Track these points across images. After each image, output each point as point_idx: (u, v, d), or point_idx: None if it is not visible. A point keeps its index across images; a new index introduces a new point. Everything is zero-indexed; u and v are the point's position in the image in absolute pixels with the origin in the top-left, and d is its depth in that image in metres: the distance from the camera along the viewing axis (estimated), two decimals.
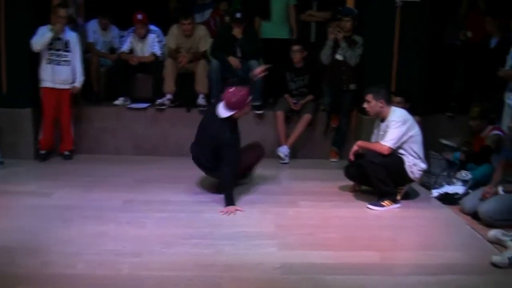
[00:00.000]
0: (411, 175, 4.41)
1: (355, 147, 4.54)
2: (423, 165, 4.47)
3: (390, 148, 4.30)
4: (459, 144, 5.16)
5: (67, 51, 5.51)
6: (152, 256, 3.31)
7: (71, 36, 5.54)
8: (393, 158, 4.33)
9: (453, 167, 4.87)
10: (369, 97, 4.43)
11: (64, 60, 5.51)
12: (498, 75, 4.98)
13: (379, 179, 4.35)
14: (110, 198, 4.37)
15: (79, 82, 5.66)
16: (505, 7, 5.55)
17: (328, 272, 3.16)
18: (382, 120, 4.50)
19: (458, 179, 4.58)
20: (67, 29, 5.53)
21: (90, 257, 3.26)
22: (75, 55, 5.58)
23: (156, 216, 3.99)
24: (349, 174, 4.75)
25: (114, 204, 4.24)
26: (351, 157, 4.54)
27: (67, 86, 5.58)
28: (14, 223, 3.80)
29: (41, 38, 5.31)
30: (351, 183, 4.85)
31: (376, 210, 4.31)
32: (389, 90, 5.23)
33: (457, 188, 4.52)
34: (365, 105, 4.51)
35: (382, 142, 4.34)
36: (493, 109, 5.08)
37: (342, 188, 4.86)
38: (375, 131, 4.62)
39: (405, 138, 4.36)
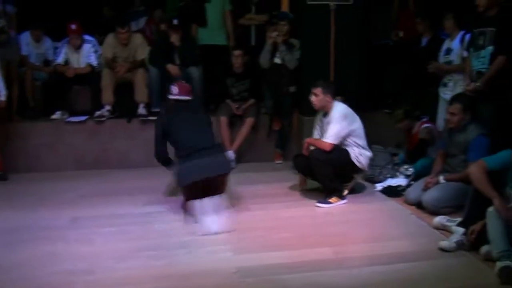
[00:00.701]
0: (359, 165, 4.53)
1: (305, 144, 4.63)
2: (369, 153, 4.61)
3: (331, 144, 4.41)
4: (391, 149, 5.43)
5: None
6: (105, 273, 3.22)
7: None
8: (338, 153, 4.44)
9: (393, 161, 5.07)
10: (318, 90, 4.50)
11: None
12: (428, 70, 5.21)
13: (325, 176, 4.46)
14: (56, 217, 4.20)
15: (3, 95, 5.39)
16: (434, 8, 5.85)
17: (284, 272, 3.20)
18: (325, 114, 4.60)
19: (401, 173, 4.77)
20: None
21: (43, 280, 3.13)
22: None
23: (104, 231, 3.88)
24: (297, 164, 4.82)
25: (61, 223, 4.08)
26: (305, 152, 4.61)
27: None
28: None
29: None
30: (297, 183, 4.94)
31: (324, 207, 4.41)
32: None
33: (399, 181, 4.71)
34: (312, 98, 4.55)
35: (324, 139, 4.46)
36: (428, 103, 5.37)
37: (290, 188, 4.93)
38: (318, 126, 4.72)
39: (345, 132, 4.48)
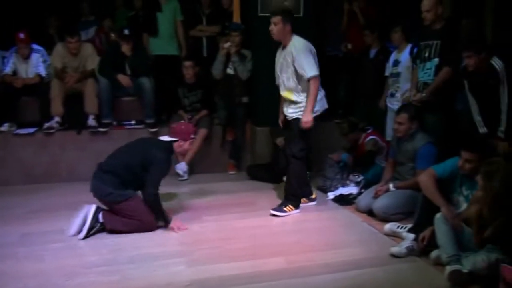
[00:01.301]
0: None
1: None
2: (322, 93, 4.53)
3: (317, 77, 4.26)
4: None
5: None
6: None
7: None
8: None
9: (344, 170, 5.16)
10: (277, 19, 4.27)
11: None
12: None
13: (298, 178, 4.48)
14: (5, 233, 4.05)
15: None
16: (381, 20, 6.04)
17: (239, 283, 3.20)
18: (284, 48, 4.43)
19: (351, 180, 4.87)
20: None
21: None
22: None
23: (54, 247, 3.77)
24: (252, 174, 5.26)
25: (10, 239, 3.92)
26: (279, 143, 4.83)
27: None
28: None
29: None
30: (252, 194, 4.97)
31: (279, 215, 4.42)
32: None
33: (350, 189, 4.81)
34: (271, 27, 4.33)
35: (308, 75, 4.23)
36: (376, 114, 5.52)
37: (244, 199, 4.95)
38: (278, 62, 4.52)
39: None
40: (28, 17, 6.48)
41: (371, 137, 5.10)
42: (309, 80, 4.26)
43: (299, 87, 4.37)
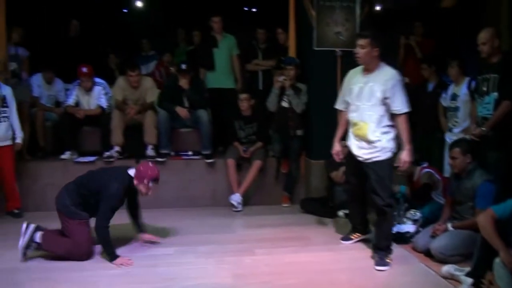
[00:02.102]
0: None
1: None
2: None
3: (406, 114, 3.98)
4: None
5: (5, 106, 5.32)
6: None
7: (7, 91, 5.36)
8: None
9: (401, 205, 5.01)
10: (366, 41, 3.96)
11: (3, 116, 5.31)
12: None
13: (387, 229, 4.18)
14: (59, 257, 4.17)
15: (19, 137, 5.47)
16: (439, 53, 5.94)
17: None
18: (367, 72, 4.07)
19: (408, 218, 4.72)
20: (1, 84, 5.37)
21: None
22: (12, 110, 5.41)
23: (108, 274, 3.85)
24: (305, 208, 5.35)
25: (65, 264, 4.04)
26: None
27: (8, 142, 5.39)
28: None
29: None
30: (305, 228, 4.91)
31: (385, 269, 3.99)
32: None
33: (408, 227, 4.65)
34: (357, 50, 4.02)
35: (397, 111, 3.95)
36: (434, 149, 5.37)
37: (297, 232, 4.89)
38: (353, 87, 4.11)
39: None
40: (91, 52, 6.78)
41: (426, 170, 4.96)
42: (398, 115, 3.97)
43: (382, 122, 4.00)
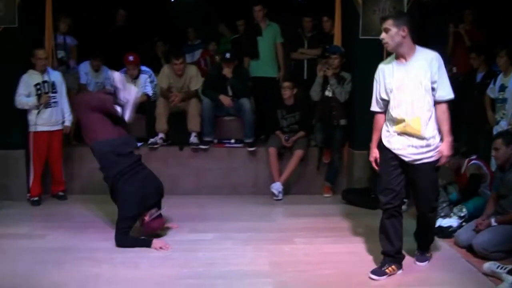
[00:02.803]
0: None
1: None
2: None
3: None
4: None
5: (54, 92, 5.53)
6: None
7: (56, 77, 5.57)
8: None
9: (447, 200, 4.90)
10: (388, 23, 3.42)
11: (53, 102, 5.52)
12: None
13: (430, 230, 3.91)
14: (104, 239, 4.33)
15: (69, 121, 5.68)
16: (488, 43, 5.73)
17: None
18: (402, 59, 3.51)
19: (454, 214, 4.59)
20: (50, 70, 5.56)
21: None
22: (62, 95, 5.61)
23: (150, 256, 3.96)
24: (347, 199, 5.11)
25: (108, 245, 4.19)
26: None
27: (57, 127, 5.60)
28: (7, 267, 3.76)
29: (25, 101, 5.36)
30: (346, 219, 4.87)
31: (424, 265, 3.88)
32: None
33: (451, 221, 4.53)
34: (383, 36, 3.47)
35: (442, 97, 3.44)
36: (481, 141, 5.20)
37: (337, 223, 4.86)
38: (389, 76, 3.55)
39: None
40: (137, 40, 6.91)
41: (473, 162, 4.81)
42: (441, 103, 3.47)
43: (431, 113, 3.47)
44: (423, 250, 3.93)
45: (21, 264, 3.81)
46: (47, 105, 5.47)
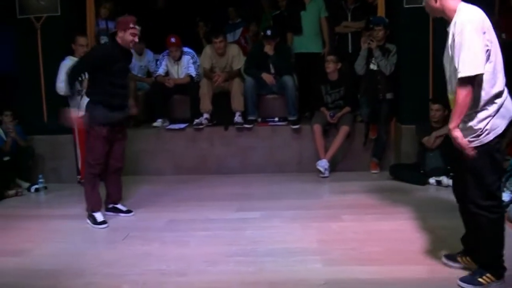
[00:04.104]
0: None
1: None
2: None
3: (468, 85, 2.70)
4: None
5: None
6: (197, 275, 3.30)
7: None
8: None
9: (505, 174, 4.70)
10: None
11: None
12: None
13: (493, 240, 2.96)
14: (154, 218, 4.42)
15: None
16: None
17: None
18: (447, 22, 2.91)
19: (507, 188, 4.42)
20: None
21: (135, 278, 3.28)
22: None
23: (199, 235, 4.01)
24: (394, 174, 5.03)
25: (158, 224, 4.28)
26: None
27: None
28: (60, 246, 3.89)
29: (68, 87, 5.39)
30: (394, 195, 4.76)
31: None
32: (427, 97, 5.19)
33: (503, 196, 4.35)
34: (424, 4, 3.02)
35: (459, 73, 2.70)
36: None
37: (385, 200, 4.76)
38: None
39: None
40: (179, 22, 6.92)
41: None
42: (460, 81, 2.73)
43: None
44: (477, 268, 3.05)
45: (73, 244, 3.93)
46: None
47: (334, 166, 5.84)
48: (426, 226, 4.08)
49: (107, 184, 4.61)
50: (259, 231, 4.05)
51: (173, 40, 6.14)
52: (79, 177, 5.71)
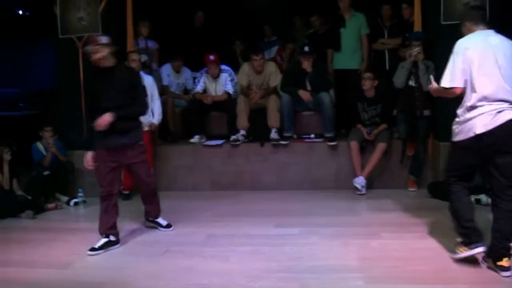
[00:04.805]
0: None
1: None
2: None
3: (457, 88, 3.47)
4: None
5: (146, 95, 5.71)
6: None
7: (148, 81, 5.74)
8: None
9: None
10: None
11: None
12: None
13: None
14: (193, 233, 4.47)
15: (156, 119, 5.86)
16: None
17: None
18: None
19: None
20: (143, 74, 5.76)
21: None
22: (153, 98, 5.78)
23: (239, 250, 4.03)
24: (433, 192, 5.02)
25: (197, 239, 4.32)
26: None
27: (146, 128, 5.78)
28: (101, 259, 3.97)
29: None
30: (434, 213, 4.71)
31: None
32: None
33: None
34: None
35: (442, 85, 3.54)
36: None
37: (424, 218, 4.69)
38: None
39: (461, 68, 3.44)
40: (216, 40, 7.03)
41: None
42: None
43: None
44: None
45: (113, 257, 4.00)
46: None
47: (371, 184, 5.80)
48: None
49: (143, 203, 4.68)
50: (298, 248, 4.05)
51: (212, 57, 6.24)
52: (121, 187, 5.80)
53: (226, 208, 5.31)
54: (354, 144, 5.78)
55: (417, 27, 5.88)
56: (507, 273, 3.33)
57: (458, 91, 3.48)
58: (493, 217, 3.48)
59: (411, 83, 5.61)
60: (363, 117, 5.93)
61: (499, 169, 3.37)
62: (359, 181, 5.65)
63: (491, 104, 3.32)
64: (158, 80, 6.54)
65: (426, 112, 5.66)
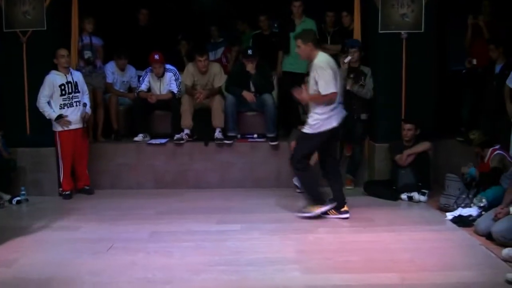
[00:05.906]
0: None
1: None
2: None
3: (332, 93, 4.62)
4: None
5: (77, 91, 5.73)
6: (182, 283, 3.46)
7: (78, 77, 5.78)
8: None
9: (471, 189, 5.00)
10: (298, 42, 4.76)
11: (76, 101, 5.73)
12: None
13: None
14: (137, 230, 4.55)
15: (88, 109, 5.86)
16: (507, 34, 5.79)
17: None
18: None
19: (474, 204, 4.69)
20: (72, 71, 5.77)
21: (123, 286, 3.42)
22: (84, 94, 5.82)
23: (182, 246, 4.15)
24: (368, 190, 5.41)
25: (141, 236, 4.40)
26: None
27: (80, 125, 5.80)
28: (46, 256, 3.98)
29: (47, 112, 5.59)
30: (368, 210, 5.02)
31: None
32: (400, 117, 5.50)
33: (471, 211, 4.63)
34: (296, 51, 4.89)
35: (321, 92, 4.62)
36: (501, 131, 5.27)
37: (359, 214, 4.98)
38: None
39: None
40: (161, 39, 7.05)
41: (498, 152, 4.91)
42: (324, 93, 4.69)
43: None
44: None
45: (58, 254, 4.02)
46: (70, 105, 5.69)
47: None
48: (400, 238, 4.33)
49: None
50: (240, 242, 4.22)
51: (156, 57, 6.29)
52: (60, 189, 5.79)
53: (170, 205, 5.40)
54: (293, 144, 5.98)
55: (356, 35, 6.17)
56: (348, 215, 4.84)
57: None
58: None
59: (349, 87, 5.88)
60: (304, 119, 6.14)
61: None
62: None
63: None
64: (102, 77, 6.55)
65: (363, 116, 5.95)
